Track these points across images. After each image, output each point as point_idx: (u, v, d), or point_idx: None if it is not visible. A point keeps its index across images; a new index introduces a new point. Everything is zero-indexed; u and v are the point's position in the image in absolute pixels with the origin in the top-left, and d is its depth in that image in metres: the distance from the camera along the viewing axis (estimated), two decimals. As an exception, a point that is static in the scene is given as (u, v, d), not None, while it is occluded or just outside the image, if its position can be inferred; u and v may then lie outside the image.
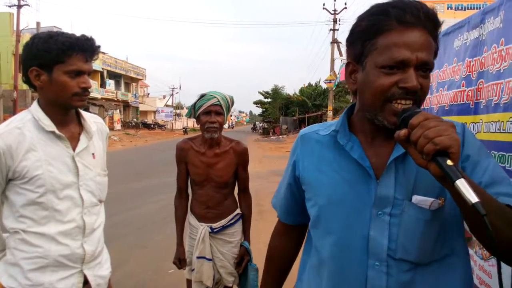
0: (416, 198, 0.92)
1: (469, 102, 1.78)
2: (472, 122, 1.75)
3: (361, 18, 0.94)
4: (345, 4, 27.86)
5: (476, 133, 1.71)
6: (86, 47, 1.45)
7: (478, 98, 1.71)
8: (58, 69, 1.41)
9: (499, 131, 1.46)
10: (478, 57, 1.73)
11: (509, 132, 1.40)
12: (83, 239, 1.50)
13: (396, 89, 0.88)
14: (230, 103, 2.42)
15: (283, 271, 1.28)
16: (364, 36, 0.92)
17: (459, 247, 0.97)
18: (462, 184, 0.71)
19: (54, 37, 1.42)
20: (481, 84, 1.70)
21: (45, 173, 1.41)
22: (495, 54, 1.57)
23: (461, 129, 0.97)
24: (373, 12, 0.91)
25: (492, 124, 1.52)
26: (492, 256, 1.46)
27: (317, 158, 1.05)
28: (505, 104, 1.44)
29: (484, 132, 1.62)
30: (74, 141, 1.52)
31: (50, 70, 1.41)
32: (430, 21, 0.89)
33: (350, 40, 0.97)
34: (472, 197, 0.69)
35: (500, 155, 1.44)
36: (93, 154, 1.57)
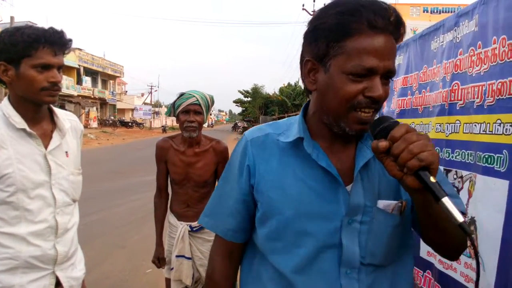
0: (380, 203, 0.92)
1: (444, 103, 1.83)
2: (447, 123, 1.79)
3: (326, 14, 0.87)
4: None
5: (451, 133, 1.76)
6: (54, 40, 1.40)
7: (452, 99, 1.76)
8: (25, 63, 1.37)
9: (484, 132, 1.50)
10: (453, 59, 1.77)
11: (496, 134, 1.43)
12: (55, 239, 1.46)
13: (362, 98, 0.85)
14: (209, 102, 2.41)
15: None
16: (330, 36, 0.85)
17: (410, 244, 1.01)
18: (447, 203, 0.72)
19: (21, 30, 1.37)
20: (455, 86, 1.74)
21: (16, 172, 1.36)
22: (473, 57, 1.61)
23: None
24: (341, 11, 0.84)
25: (475, 125, 1.55)
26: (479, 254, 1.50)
27: (277, 165, 0.96)
28: (490, 106, 1.47)
29: (464, 132, 1.66)
30: (46, 139, 1.47)
31: (17, 64, 1.37)
32: (397, 28, 0.86)
33: (312, 37, 0.90)
34: (459, 216, 0.71)
35: (487, 156, 1.47)
36: (66, 152, 1.52)
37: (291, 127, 1.00)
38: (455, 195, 0.98)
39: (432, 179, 0.74)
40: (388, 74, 0.87)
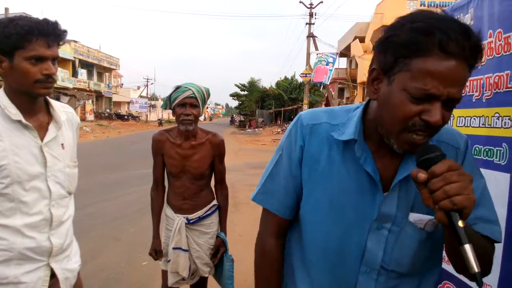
0: (411, 216, 0.94)
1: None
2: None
3: (401, 28, 0.83)
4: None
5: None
6: (47, 31, 1.37)
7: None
8: (18, 55, 1.34)
9: (484, 125, 1.50)
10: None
11: (495, 127, 1.44)
12: (50, 231, 1.45)
13: (418, 120, 0.83)
14: (205, 95, 2.41)
15: (281, 276, 1.13)
16: (399, 51, 0.82)
17: (439, 258, 1.04)
18: (469, 250, 0.73)
19: (14, 21, 1.34)
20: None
21: (11, 164, 1.35)
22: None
23: (465, 147, 1.00)
24: (416, 28, 0.80)
25: (474, 119, 1.57)
26: None
27: (326, 156, 1.00)
28: (488, 100, 1.48)
29: (458, 126, 1.67)
30: (42, 130, 1.46)
31: (11, 56, 1.35)
32: (473, 54, 0.80)
33: (382, 47, 0.87)
34: (476, 266, 0.72)
35: (487, 149, 1.48)
36: (62, 144, 1.52)
37: (348, 122, 1.00)
38: (494, 221, 0.97)
39: (460, 223, 0.75)
40: (451, 102, 0.83)
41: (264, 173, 1.12)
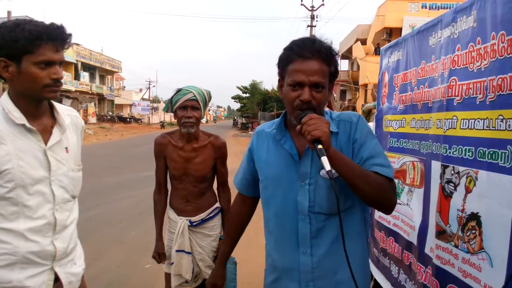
0: (321, 172, 1.35)
1: (442, 99, 1.83)
2: (445, 119, 1.79)
3: (283, 49, 1.38)
4: (323, 0, 28.00)
5: (448, 129, 1.76)
6: (55, 36, 1.37)
7: (450, 95, 1.76)
8: (27, 60, 1.34)
9: (488, 128, 1.49)
10: (450, 55, 1.77)
11: (499, 130, 1.42)
12: (53, 236, 1.45)
13: (298, 101, 1.32)
14: (207, 98, 2.41)
15: (240, 232, 1.75)
16: (282, 63, 1.38)
17: (357, 200, 1.40)
18: (324, 159, 1.18)
19: (21, 25, 1.33)
20: (453, 82, 1.74)
21: (15, 168, 1.35)
22: (473, 52, 1.60)
23: (356, 120, 1.42)
24: (286, 48, 1.37)
25: (478, 121, 1.55)
26: (483, 250, 1.51)
27: (266, 148, 1.52)
28: (492, 102, 1.47)
29: (461, 128, 1.66)
30: (46, 134, 1.46)
31: (18, 61, 1.34)
32: (322, 54, 1.31)
33: (277, 64, 1.41)
34: (327, 166, 1.17)
35: (492, 152, 1.46)
36: (66, 148, 1.52)
37: (277, 122, 1.50)
38: (386, 166, 1.35)
39: (319, 146, 1.19)
40: (317, 85, 1.31)
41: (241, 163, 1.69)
